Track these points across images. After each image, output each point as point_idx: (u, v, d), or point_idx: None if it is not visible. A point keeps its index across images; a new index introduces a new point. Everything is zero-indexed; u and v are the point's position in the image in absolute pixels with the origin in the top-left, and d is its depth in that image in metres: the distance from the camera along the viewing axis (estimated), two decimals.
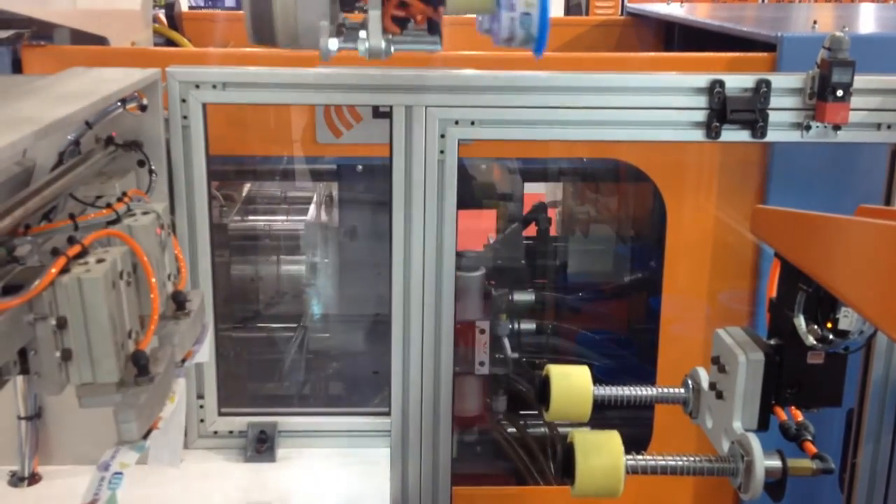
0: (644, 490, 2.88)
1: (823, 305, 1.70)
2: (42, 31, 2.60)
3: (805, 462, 1.77)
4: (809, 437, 1.80)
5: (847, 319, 1.69)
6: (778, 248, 1.79)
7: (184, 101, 2.26)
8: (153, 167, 2.08)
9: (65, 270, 1.38)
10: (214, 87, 2.27)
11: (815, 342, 1.72)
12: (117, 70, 2.13)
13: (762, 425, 1.82)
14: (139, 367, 1.45)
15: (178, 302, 1.71)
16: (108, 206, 1.63)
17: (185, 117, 2.27)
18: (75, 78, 2.07)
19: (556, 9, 6.58)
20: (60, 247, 1.42)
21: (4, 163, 1.72)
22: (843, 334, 1.70)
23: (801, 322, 1.72)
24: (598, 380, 2.07)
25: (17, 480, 2.28)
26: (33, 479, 2.28)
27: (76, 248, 1.41)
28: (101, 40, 2.86)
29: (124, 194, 1.70)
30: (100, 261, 1.42)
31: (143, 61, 2.24)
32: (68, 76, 2.09)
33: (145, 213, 1.67)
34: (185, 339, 1.68)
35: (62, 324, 1.37)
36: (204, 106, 2.28)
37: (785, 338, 1.78)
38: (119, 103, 1.99)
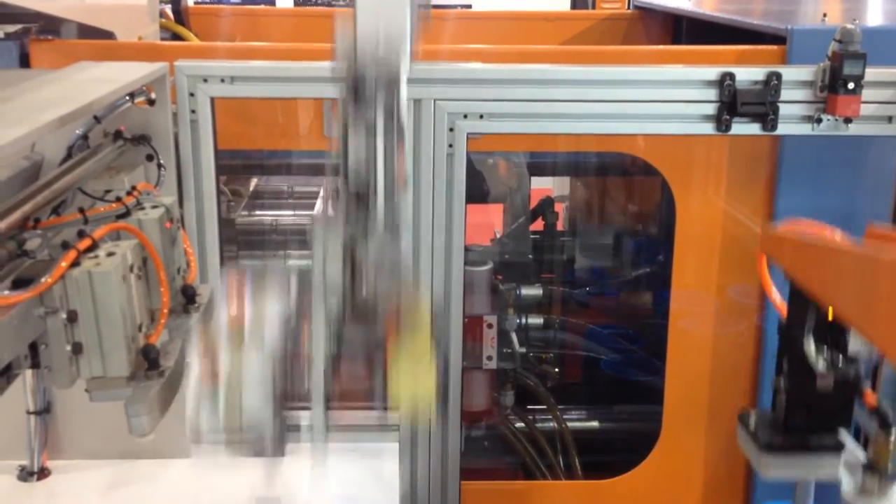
0: (653, 486, 2.88)
1: (834, 329, 1.67)
2: (49, 26, 2.59)
3: None
4: None
5: (857, 341, 1.66)
6: (787, 272, 1.76)
7: (192, 95, 2.26)
8: (162, 161, 2.07)
9: (75, 264, 1.37)
10: (222, 80, 2.26)
11: (824, 367, 1.69)
12: (125, 64, 2.13)
13: None
14: (149, 360, 1.45)
15: (188, 296, 1.70)
16: (118, 199, 1.63)
17: (193, 111, 2.26)
18: (83, 72, 2.06)
19: (563, 3, 6.56)
20: (70, 240, 1.42)
21: (13, 157, 1.72)
22: (853, 359, 1.67)
23: (810, 346, 1.70)
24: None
25: (26, 475, 2.28)
26: (42, 473, 2.29)
27: (86, 242, 1.41)
28: (107, 35, 2.86)
29: (133, 188, 1.70)
30: (110, 254, 1.42)
31: (150, 56, 2.24)
32: (76, 70, 2.08)
33: (154, 207, 1.66)
34: (194, 333, 1.67)
35: (73, 317, 1.36)
36: (212, 100, 2.27)
37: (794, 364, 1.75)
38: (127, 97, 1.98)
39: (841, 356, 1.65)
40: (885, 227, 1.63)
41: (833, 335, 1.65)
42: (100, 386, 1.42)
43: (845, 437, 1.68)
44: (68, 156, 1.88)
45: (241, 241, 3.45)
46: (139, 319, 1.49)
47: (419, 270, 2.39)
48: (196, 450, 2.43)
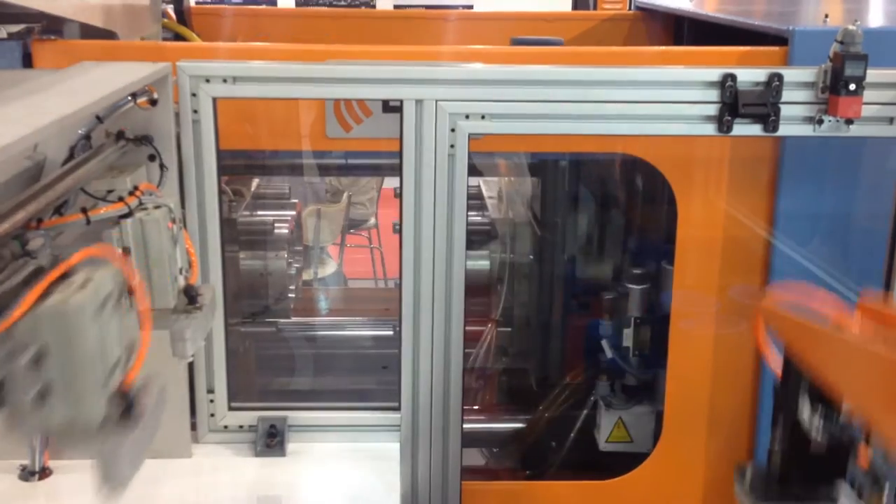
0: (654, 486, 2.88)
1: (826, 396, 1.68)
2: (52, 26, 2.59)
3: None
4: None
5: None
6: (783, 344, 1.76)
7: (194, 95, 2.26)
8: (164, 162, 2.07)
9: (45, 294, 1.21)
10: (225, 81, 2.26)
11: (818, 431, 1.70)
12: (128, 64, 2.13)
13: None
14: (126, 403, 1.30)
15: (190, 296, 1.71)
16: (120, 199, 1.63)
17: (195, 111, 2.27)
18: (86, 72, 2.07)
19: (564, 3, 6.55)
20: (46, 264, 1.30)
21: (15, 157, 1.73)
22: (846, 425, 1.68)
23: (804, 411, 1.71)
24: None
25: (27, 474, 2.28)
26: (44, 473, 2.29)
27: (60, 269, 1.25)
28: (110, 35, 2.86)
29: (136, 188, 1.70)
30: (85, 282, 1.25)
31: (153, 56, 2.24)
32: (79, 70, 2.09)
33: (157, 207, 1.66)
34: (196, 333, 1.68)
35: (40, 356, 1.20)
36: (214, 100, 2.28)
37: (789, 426, 1.75)
38: (130, 98, 1.98)
39: (835, 417, 1.67)
40: (876, 300, 1.62)
41: (826, 399, 1.66)
42: (68, 433, 1.23)
43: (842, 490, 1.70)
44: (71, 156, 1.88)
45: (241, 242, 3.46)
46: (115, 356, 1.31)
47: (421, 271, 2.39)
48: (197, 449, 2.43)
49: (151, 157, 2.07)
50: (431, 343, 2.44)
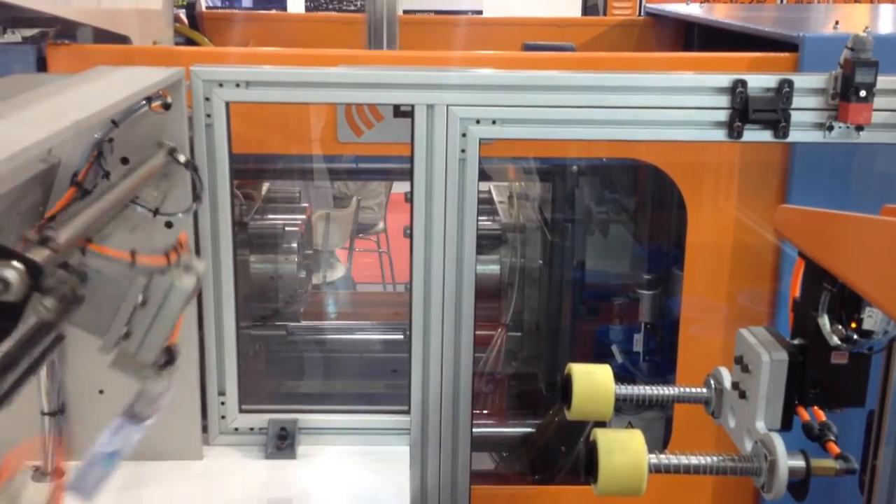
0: (662, 490, 2.88)
1: (848, 305, 1.70)
2: (65, 30, 2.61)
3: (828, 462, 1.76)
4: (832, 438, 1.80)
5: (871, 319, 1.68)
6: (802, 248, 1.78)
7: (207, 99, 2.27)
8: (199, 178, 2.13)
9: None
10: (238, 85, 2.28)
11: (839, 342, 1.72)
12: (142, 69, 2.15)
13: (785, 425, 1.82)
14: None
15: (170, 355, 1.65)
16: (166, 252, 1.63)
17: (208, 116, 2.28)
18: (100, 76, 2.08)
19: (573, 9, 6.57)
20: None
21: (30, 161, 1.74)
22: (867, 334, 1.70)
23: (825, 322, 1.72)
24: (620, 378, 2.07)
25: (40, 476, 2.29)
26: (56, 474, 2.30)
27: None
28: (123, 39, 2.88)
29: (179, 244, 1.66)
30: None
31: (166, 60, 2.26)
32: (93, 75, 2.10)
33: (188, 270, 1.62)
34: (167, 396, 1.68)
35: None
36: (227, 104, 2.29)
37: (809, 338, 1.78)
38: (144, 102, 2.00)
39: (855, 334, 1.69)
40: None
41: (847, 311, 1.68)
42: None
43: None
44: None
45: (253, 245, 3.47)
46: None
47: (432, 275, 2.40)
48: (207, 452, 2.44)
49: (188, 165, 2.09)
50: (441, 347, 2.45)
